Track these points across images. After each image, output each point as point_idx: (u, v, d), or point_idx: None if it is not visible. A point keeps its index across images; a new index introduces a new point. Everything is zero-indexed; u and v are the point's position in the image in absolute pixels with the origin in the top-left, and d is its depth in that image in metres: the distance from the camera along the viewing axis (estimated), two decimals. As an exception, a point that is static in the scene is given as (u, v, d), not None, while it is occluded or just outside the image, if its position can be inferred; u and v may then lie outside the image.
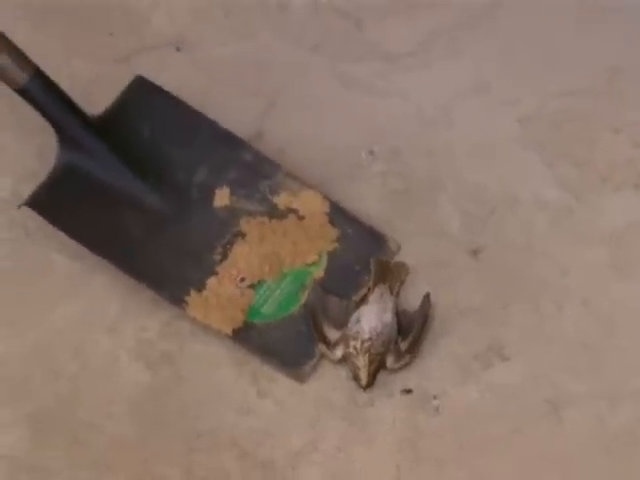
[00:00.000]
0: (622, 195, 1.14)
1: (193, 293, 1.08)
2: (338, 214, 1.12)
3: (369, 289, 1.08)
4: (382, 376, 1.04)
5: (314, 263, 1.11)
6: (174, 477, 1.03)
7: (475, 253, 1.11)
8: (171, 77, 1.21)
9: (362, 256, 1.11)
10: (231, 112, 1.18)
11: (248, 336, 1.07)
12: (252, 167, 1.14)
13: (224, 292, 1.09)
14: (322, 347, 1.07)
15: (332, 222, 1.12)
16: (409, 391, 1.04)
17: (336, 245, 1.11)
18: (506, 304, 1.08)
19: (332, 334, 1.07)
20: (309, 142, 1.19)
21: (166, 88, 1.14)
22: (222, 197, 1.12)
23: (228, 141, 1.14)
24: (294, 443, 1.04)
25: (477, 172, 1.17)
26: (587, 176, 1.15)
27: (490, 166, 1.17)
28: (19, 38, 1.07)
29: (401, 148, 1.18)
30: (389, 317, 1.06)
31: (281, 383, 1.06)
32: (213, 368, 1.08)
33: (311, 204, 1.13)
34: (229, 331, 1.07)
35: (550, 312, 1.08)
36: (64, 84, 1.09)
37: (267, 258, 1.11)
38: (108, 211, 1.11)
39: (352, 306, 1.08)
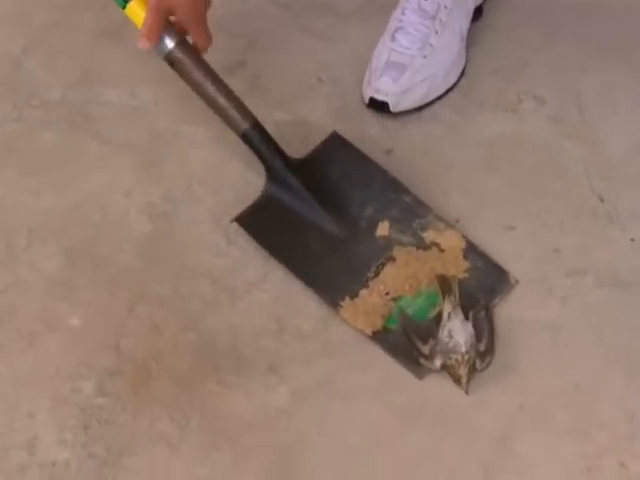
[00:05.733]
0: (494, 115, 1.25)
1: (347, 299, 1.11)
2: (472, 250, 1.14)
3: (441, 304, 1.08)
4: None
5: None
6: (164, 294, 1.12)
7: (388, 152, 1.23)
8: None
9: (485, 286, 1.11)
10: (222, 46, 1.25)
11: (384, 338, 1.09)
12: (410, 208, 1.17)
13: (371, 301, 1.11)
14: (421, 359, 1.06)
15: (465, 256, 1.13)
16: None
17: (466, 275, 1.12)
18: (409, 186, 1.18)
19: (424, 348, 1.06)
20: (278, 71, 1.29)
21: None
22: (383, 229, 1.16)
23: (394, 186, 1.18)
24: (251, 275, 1.13)
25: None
26: (470, 101, 1.27)
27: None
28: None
29: (342, 77, 1.29)
30: (470, 327, 1.06)
31: (243, 235, 1.15)
32: (196, 224, 1.17)
33: (451, 241, 1.14)
34: (370, 332, 1.09)
35: (440, 190, 1.18)
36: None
37: (409, 279, 1.13)
38: (296, 232, 1.15)
39: (428, 324, 1.07)
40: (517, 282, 1.11)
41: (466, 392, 1.02)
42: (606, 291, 1.10)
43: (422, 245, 1.15)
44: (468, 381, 1.02)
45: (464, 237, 1.14)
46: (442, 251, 1.14)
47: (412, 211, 1.17)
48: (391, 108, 1.23)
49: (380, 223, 1.16)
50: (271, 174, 1.16)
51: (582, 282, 1.11)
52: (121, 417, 1.04)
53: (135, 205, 1.19)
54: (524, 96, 1.26)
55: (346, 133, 1.22)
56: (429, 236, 1.15)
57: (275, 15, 1.36)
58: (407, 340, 1.07)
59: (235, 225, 1.16)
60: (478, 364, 1.03)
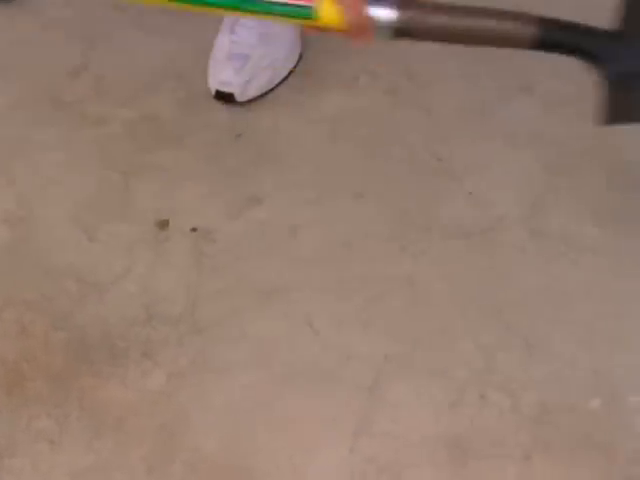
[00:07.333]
0: (334, 92, 1.32)
1: None
2: None
3: None
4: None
5: None
6: (30, 297, 1.12)
7: (237, 137, 1.27)
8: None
9: None
10: (64, 50, 1.31)
11: None
12: None
13: None
14: None
15: None
16: (194, 229, 1.18)
17: None
18: (257, 165, 1.23)
19: None
20: (122, 70, 1.32)
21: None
22: None
23: None
24: (115, 268, 1.14)
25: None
26: (311, 81, 1.33)
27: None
28: None
29: (185, 70, 1.33)
30: None
31: (103, 229, 1.16)
32: (55, 225, 1.17)
33: None
34: None
35: (290, 167, 1.23)
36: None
37: None
38: None
39: None
40: None
41: None
42: (452, 242, 1.17)
43: None
44: None
45: None
46: None
47: None
48: (237, 98, 1.28)
49: None
50: (602, 56, 0.92)
51: (430, 237, 1.17)
52: (-3, 420, 1.04)
53: (-9, 214, 1.20)
54: (360, 73, 1.33)
55: (195, 123, 1.26)
56: None
57: (112, 17, 1.38)
58: None
59: (94, 220, 1.16)
60: None
